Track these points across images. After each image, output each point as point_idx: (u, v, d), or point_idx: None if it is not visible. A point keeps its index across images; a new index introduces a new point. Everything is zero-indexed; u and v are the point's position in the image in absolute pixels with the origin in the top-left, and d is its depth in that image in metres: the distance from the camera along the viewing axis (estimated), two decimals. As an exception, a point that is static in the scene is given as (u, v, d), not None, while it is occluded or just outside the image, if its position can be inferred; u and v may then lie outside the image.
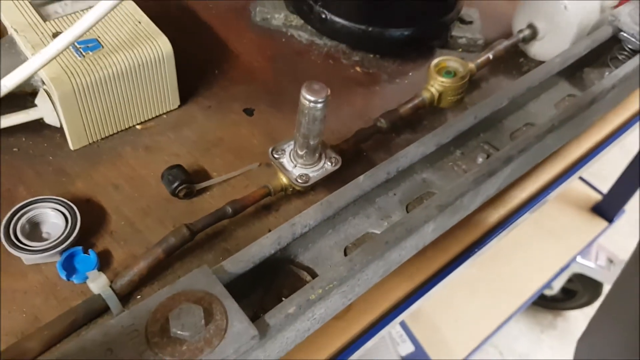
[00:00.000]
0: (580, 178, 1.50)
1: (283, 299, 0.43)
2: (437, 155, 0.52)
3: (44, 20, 0.50)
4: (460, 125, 0.51)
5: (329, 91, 0.43)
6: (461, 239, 0.54)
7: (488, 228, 0.55)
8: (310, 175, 0.48)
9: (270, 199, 0.50)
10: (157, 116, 0.55)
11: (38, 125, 0.51)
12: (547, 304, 1.61)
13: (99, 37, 0.49)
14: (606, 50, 0.63)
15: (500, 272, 1.32)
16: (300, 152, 0.47)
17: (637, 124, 0.67)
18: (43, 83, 0.49)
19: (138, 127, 0.54)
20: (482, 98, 0.61)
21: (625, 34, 0.61)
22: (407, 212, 0.49)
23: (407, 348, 1.15)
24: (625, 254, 1.69)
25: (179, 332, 0.34)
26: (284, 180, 0.48)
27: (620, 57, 0.63)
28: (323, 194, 0.51)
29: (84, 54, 0.48)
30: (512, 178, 0.53)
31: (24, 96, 0.53)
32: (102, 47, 0.48)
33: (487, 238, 0.55)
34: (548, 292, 1.55)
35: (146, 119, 0.54)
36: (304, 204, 0.51)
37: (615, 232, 1.59)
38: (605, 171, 1.73)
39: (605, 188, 1.46)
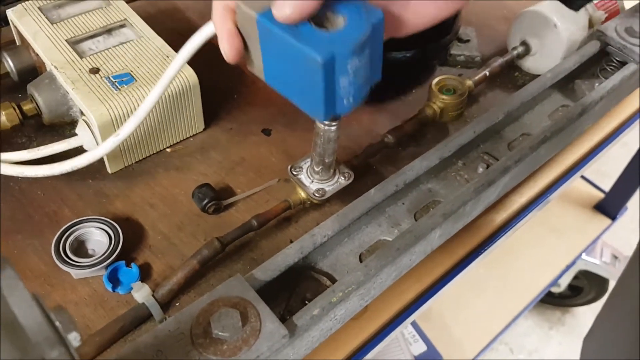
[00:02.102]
0: (583, 177, 1.54)
1: (307, 302, 0.48)
2: (441, 166, 0.56)
3: (80, 57, 0.56)
4: (461, 140, 0.56)
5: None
6: (466, 243, 0.58)
7: (491, 232, 0.60)
8: (326, 189, 0.53)
9: (290, 212, 0.54)
10: (184, 139, 0.60)
11: (77, 152, 0.56)
12: (554, 301, 1.64)
13: (132, 71, 0.54)
14: (595, 62, 0.68)
15: (507, 271, 1.36)
16: (316, 169, 0.52)
17: (626, 129, 0.71)
18: (82, 114, 0.55)
19: (168, 150, 0.59)
20: (480, 111, 0.66)
21: (612, 48, 0.66)
22: (415, 219, 0.54)
23: (420, 348, 1.19)
24: (629, 250, 1.72)
25: (220, 333, 0.39)
26: (303, 194, 0.53)
27: (608, 68, 0.68)
28: (337, 205, 0.56)
29: (119, 87, 0.53)
30: (510, 186, 0.58)
31: (63, 126, 0.59)
32: (136, 80, 0.54)
33: (490, 241, 0.59)
34: (555, 290, 1.58)
35: (175, 142, 0.59)
36: (320, 215, 0.56)
37: (619, 229, 1.63)
38: (608, 169, 1.78)
39: (606, 186, 1.49)
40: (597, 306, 1.67)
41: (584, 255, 1.43)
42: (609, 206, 1.47)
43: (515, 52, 0.67)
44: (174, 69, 0.47)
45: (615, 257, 1.49)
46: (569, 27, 0.64)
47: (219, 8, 0.39)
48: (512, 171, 0.54)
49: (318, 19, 0.37)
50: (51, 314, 0.27)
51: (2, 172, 0.53)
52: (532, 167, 0.59)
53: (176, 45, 0.59)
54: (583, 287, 1.57)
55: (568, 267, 1.39)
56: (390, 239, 0.52)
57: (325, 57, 0.35)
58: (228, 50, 0.40)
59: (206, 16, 0.73)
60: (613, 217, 1.47)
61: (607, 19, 0.68)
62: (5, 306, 0.21)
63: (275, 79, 0.41)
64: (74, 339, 0.27)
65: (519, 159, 0.54)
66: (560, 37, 0.65)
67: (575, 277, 1.54)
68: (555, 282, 1.40)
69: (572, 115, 0.58)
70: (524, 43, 0.67)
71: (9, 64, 0.59)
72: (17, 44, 0.63)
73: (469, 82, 0.62)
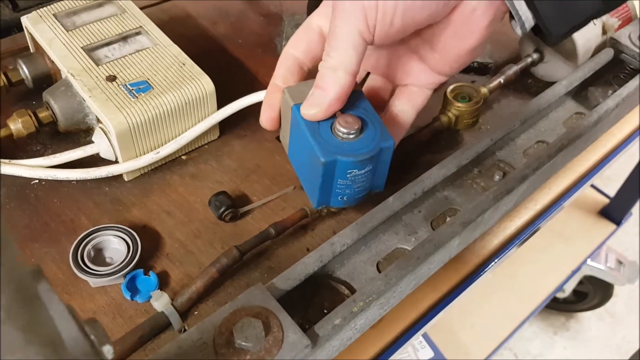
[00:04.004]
0: (588, 183, 1.54)
1: (325, 311, 0.48)
2: (457, 174, 0.56)
3: (97, 64, 0.55)
4: (478, 147, 0.56)
5: (361, 122, 0.48)
6: (481, 251, 0.58)
7: (505, 239, 0.60)
8: (343, 197, 0.53)
9: (306, 220, 0.54)
10: (199, 147, 0.60)
11: (93, 159, 0.56)
12: (559, 306, 1.65)
13: (148, 79, 0.54)
14: (609, 69, 0.68)
15: (513, 277, 1.36)
16: (333, 177, 0.52)
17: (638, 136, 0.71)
18: (98, 121, 0.54)
19: (183, 157, 0.59)
20: (494, 118, 0.66)
21: (626, 55, 0.66)
22: (432, 227, 0.54)
23: (427, 354, 1.19)
24: (633, 255, 1.73)
25: (243, 343, 0.39)
26: (319, 202, 0.53)
27: (622, 75, 0.68)
28: (353, 213, 0.56)
29: (136, 95, 0.53)
30: (527, 194, 0.58)
31: (78, 133, 0.58)
32: (153, 88, 0.54)
33: (505, 249, 0.59)
34: (560, 295, 1.58)
35: (190, 149, 0.59)
36: (336, 223, 0.56)
37: (624, 234, 1.63)
38: (611, 174, 1.78)
39: (611, 191, 1.50)
40: (601, 311, 1.67)
41: (589, 261, 1.43)
42: (614, 211, 1.48)
43: (529, 60, 0.67)
44: (222, 114, 0.56)
45: (620, 263, 1.49)
46: (584, 34, 0.64)
47: (272, 84, 0.48)
48: (529, 179, 0.54)
49: (343, 119, 0.44)
50: (86, 327, 0.26)
51: (34, 175, 0.54)
52: (548, 174, 0.59)
53: (189, 52, 0.59)
54: (588, 292, 1.57)
55: (573, 273, 1.40)
56: (408, 247, 0.52)
57: (327, 160, 0.42)
58: (262, 117, 0.49)
59: (218, 23, 0.74)
60: (618, 223, 1.47)
61: (620, 26, 0.68)
62: (49, 321, 0.21)
63: (294, 157, 0.49)
64: (107, 352, 0.27)
65: (536, 167, 0.54)
66: (575, 44, 0.65)
67: (580, 283, 1.54)
68: (560, 288, 1.40)
69: (588, 123, 0.58)
70: (537, 50, 0.67)
71: (24, 71, 0.59)
72: (31, 51, 0.62)
73: (484, 90, 0.62)
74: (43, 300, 0.21)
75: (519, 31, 0.45)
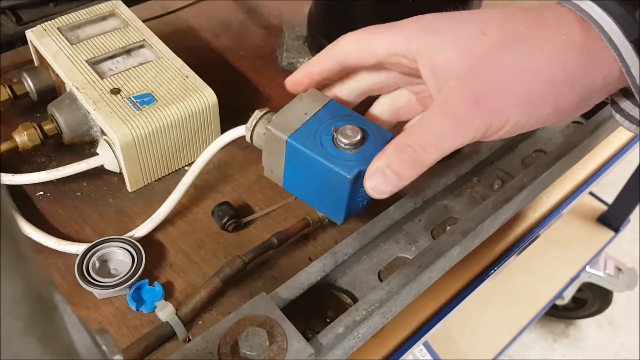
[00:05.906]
0: (586, 190, 1.55)
1: (328, 319, 0.48)
2: (457, 183, 0.57)
3: (101, 77, 0.56)
4: (477, 157, 0.57)
5: (361, 134, 0.49)
6: (481, 259, 0.59)
7: (505, 247, 0.60)
8: (345, 207, 0.53)
9: (308, 229, 0.55)
10: (202, 158, 0.61)
11: (97, 171, 0.57)
12: (558, 313, 1.65)
13: (152, 91, 0.55)
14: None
15: (512, 285, 1.37)
16: (335, 187, 0.53)
17: (635, 144, 0.72)
18: (103, 134, 0.55)
19: (186, 168, 0.59)
20: (493, 128, 0.67)
21: (621, 65, 0.67)
22: (432, 236, 0.54)
23: (427, 361, 1.19)
24: (632, 261, 1.74)
25: (247, 352, 0.40)
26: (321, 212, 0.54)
27: (617, 85, 0.69)
28: (354, 222, 0.57)
29: (140, 108, 0.53)
30: (525, 202, 0.58)
31: (82, 145, 0.59)
32: (156, 100, 0.54)
33: (504, 256, 0.60)
34: (559, 302, 1.59)
35: (193, 160, 0.60)
36: (338, 232, 0.56)
37: (622, 240, 1.64)
38: (607, 181, 1.79)
39: (609, 198, 1.51)
40: (600, 318, 1.68)
41: (587, 268, 1.43)
42: (612, 218, 1.48)
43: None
44: (204, 159, 0.52)
45: (619, 269, 1.50)
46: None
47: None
48: (528, 188, 0.54)
49: (345, 132, 0.44)
50: (97, 337, 0.27)
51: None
52: (547, 183, 0.60)
53: (191, 64, 0.60)
54: (587, 299, 1.58)
55: (572, 280, 1.40)
56: (409, 256, 0.52)
57: (353, 175, 0.42)
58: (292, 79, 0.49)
59: (220, 36, 0.75)
60: (616, 229, 1.47)
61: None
62: (65, 331, 0.22)
63: (295, 187, 0.48)
64: (118, 361, 0.28)
65: (535, 175, 0.54)
66: (571, 55, 0.65)
67: (579, 290, 1.54)
68: (560, 295, 1.41)
69: (586, 131, 0.59)
70: (534, 61, 0.68)
71: (29, 84, 0.59)
72: (36, 64, 0.63)
73: (482, 100, 0.63)
74: (60, 311, 0.22)
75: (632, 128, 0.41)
